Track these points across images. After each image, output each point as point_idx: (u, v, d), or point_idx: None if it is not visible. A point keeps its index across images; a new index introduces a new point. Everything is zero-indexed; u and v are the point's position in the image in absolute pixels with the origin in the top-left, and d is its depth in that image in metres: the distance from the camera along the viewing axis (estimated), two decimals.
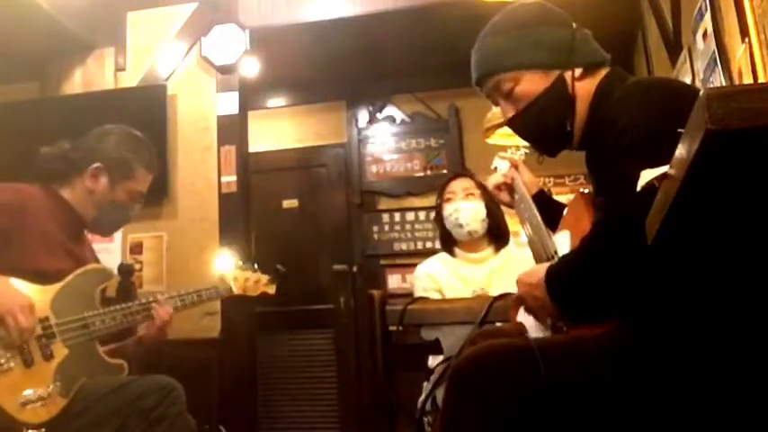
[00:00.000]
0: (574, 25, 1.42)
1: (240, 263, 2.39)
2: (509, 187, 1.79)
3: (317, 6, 3.61)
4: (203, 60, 3.65)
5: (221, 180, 3.55)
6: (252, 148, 3.91)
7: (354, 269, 4.54)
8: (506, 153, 1.87)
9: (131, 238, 3.54)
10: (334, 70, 4.47)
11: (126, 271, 3.22)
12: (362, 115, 4.78)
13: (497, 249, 2.66)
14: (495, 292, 2.42)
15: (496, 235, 2.66)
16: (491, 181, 1.84)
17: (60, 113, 3.54)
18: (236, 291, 2.28)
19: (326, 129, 4.86)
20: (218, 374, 3.32)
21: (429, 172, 4.61)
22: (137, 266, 3.44)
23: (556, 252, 1.45)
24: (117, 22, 3.79)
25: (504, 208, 2.32)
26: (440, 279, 2.60)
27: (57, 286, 1.85)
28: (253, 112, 4.12)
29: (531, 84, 1.39)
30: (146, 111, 3.49)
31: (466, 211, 2.59)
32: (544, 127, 1.42)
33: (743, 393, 0.98)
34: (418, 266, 2.73)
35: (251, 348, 3.69)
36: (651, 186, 0.92)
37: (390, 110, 4.78)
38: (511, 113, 1.44)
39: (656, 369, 1.09)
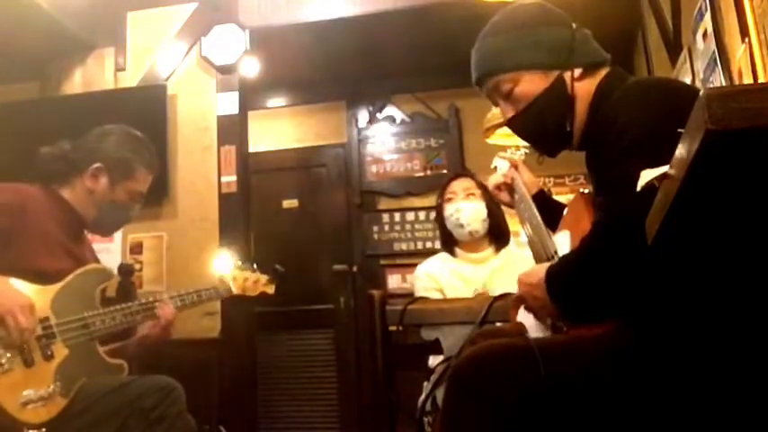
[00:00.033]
0: (574, 25, 1.42)
1: (239, 263, 2.39)
2: (509, 187, 1.80)
3: (316, 6, 3.61)
4: (203, 60, 3.65)
5: (221, 180, 3.55)
6: (252, 148, 3.91)
7: (354, 269, 4.55)
8: (506, 153, 1.87)
9: (131, 238, 3.54)
10: (334, 70, 4.47)
11: (126, 271, 3.22)
12: (362, 115, 4.78)
13: (498, 249, 2.66)
14: (495, 292, 2.42)
15: (497, 235, 2.66)
16: (491, 181, 1.85)
17: (60, 113, 3.54)
18: (235, 291, 2.28)
19: (326, 129, 4.86)
20: (218, 374, 3.31)
21: (429, 172, 4.61)
22: (137, 266, 3.44)
23: (556, 252, 1.45)
24: (117, 22, 3.79)
25: (504, 208, 2.32)
26: (440, 279, 2.60)
27: (57, 286, 1.85)
28: (253, 112, 4.12)
29: (531, 84, 1.39)
30: (146, 111, 3.49)
31: (467, 211, 2.60)
32: (543, 127, 1.42)
33: (743, 393, 0.98)
34: (419, 266, 2.73)
35: (251, 348, 3.69)
36: (651, 186, 0.92)
37: (390, 110, 4.78)
38: (510, 114, 1.44)
39: (656, 369, 1.09)
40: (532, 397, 1.12)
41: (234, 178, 3.54)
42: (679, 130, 0.67)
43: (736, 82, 1.93)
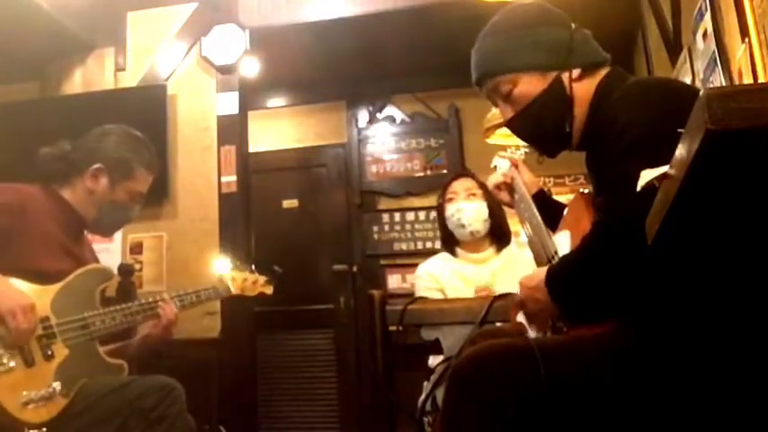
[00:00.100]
0: (573, 26, 1.42)
1: (237, 263, 2.40)
2: (509, 187, 1.80)
3: (316, 6, 3.61)
4: (203, 60, 3.65)
5: (221, 180, 3.55)
6: (252, 148, 3.91)
7: (354, 269, 4.54)
8: (506, 152, 1.87)
9: (131, 238, 3.54)
10: (334, 70, 4.47)
11: (126, 271, 3.22)
12: (362, 115, 4.78)
13: (499, 249, 2.67)
14: (496, 292, 2.43)
15: (498, 235, 2.66)
16: (491, 180, 1.85)
17: (60, 113, 3.54)
18: (234, 291, 2.28)
19: (326, 129, 4.86)
20: (218, 374, 3.31)
21: (429, 172, 4.61)
22: (137, 266, 3.44)
23: (556, 252, 1.45)
24: (117, 22, 3.79)
25: (504, 208, 2.32)
26: (441, 279, 2.61)
27: (57, 286, 1.85)
28: (253, 112, 4.12)
29: (529, 85, 1.39)
30: (146, 111, 3.49)
31: (468, 211, 2.60)
32: (542, 128, 1.43)
33: (743, 393, 0.98)
34: (419, 266, 2.73)
35: (251, 348, 3.69)
36: (651, 186, 0.92)
37: (390, 110, 4.78)
38: (510, 115, 1.45)
39: (656, 369, 1.09)
40: (532, 397, 1.12)
41: (234, 178, 3.54)
42: (679, 130, 0.67)
43: (736, 82, 1.93)
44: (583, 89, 1.38)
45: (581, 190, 2.36)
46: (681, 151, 0.67)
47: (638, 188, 0.98)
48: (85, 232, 2.12)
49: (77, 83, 3.79)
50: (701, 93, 0.59)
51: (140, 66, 3.75)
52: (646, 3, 3.39)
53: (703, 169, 0.63)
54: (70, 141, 2.08)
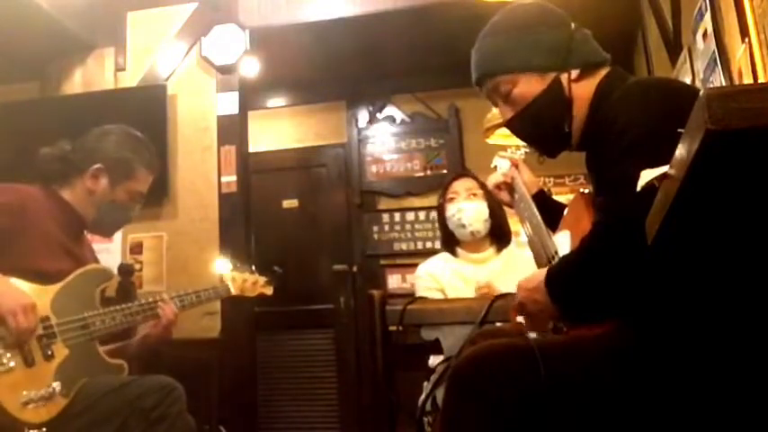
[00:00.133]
0: (573, 25, 1.42)
1: (237, 264, 2.40)
2: (509, 186, 1.80)
3: (316, 6, 3.61)
4: (203, 60, 3.65)
5: (221, 180, 3.55)
6: (252, 148, 3.91)
7: (354, 269, 4.54)
8: (506, 152, 1.87)
9: (131, 238, 3.54)
10: (334, 70, 4.47)
11: (126, 271, 3.22)
12: (362, 115, 4.78)
13: (499, 250, 2.67)
14: (497, 289, 2.43)
15: (499, 235, 2.67)
16: (491, 180, 1.85)
17: (60, 113, 3.54)
18: (234, 292, 2.29)
19: (326, 129, 4.86)
20: (218, 374, 3.31)
21: (429, 172, 4.61)
22: (137, 266, 3.44)
23: (556, 252, 1.45)
24: (117, 22, 3.79)
25: (504, 208, 2.32)
26: (442, 279, 2.61)
27: (57, 286, 1.85)
28: (253, 112, 4.12)
29: (528, 86, 1.39)
30: (146, 111, 3.49)
31: (469, 211, 2.60)
32: (541, 129, 1.43)
33: (743, 393, 0.98)
34: (420, 266, 2.73)
35: (251, 348, 3.69)
36: (651, 186, 0.92)
37: (390, 110, 4.78)
38: (509, 115, 1.45)
39: (656, 369, 1.09)
40: (532, 397, 1.12)
41: (234, 178, 3.54)
42: (679, 130, 0.67)
43: (736, 82, 1.93)
44: (582, 89, 1.38)
45: (581, 190, 2.36)
46: (681, 151, 0.67)
47: (638, 188, 0.98)
48: (85, 232, 2.12)
49: (77, 83, 3.79)
50: (701, 93, 0.59)
51: (140, 66, 3.75)
52: (646, 3, 3.40)
53: (703, 169, 0.63)
54: (70, 141, 2.08)
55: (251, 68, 3.82)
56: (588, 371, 1.13)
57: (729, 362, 0.97)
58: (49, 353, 1.76)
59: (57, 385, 1.72)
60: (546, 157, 1.52)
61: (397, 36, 4.00)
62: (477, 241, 2.64)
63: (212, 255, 3.41)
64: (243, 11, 3.66)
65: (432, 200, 4.29)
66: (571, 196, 1.63)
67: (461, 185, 2.67)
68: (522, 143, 1.67)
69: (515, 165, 1.80)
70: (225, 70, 3.63)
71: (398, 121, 4.74)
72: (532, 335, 1.41)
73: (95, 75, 3.78)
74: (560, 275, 1.25)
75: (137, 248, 3.55)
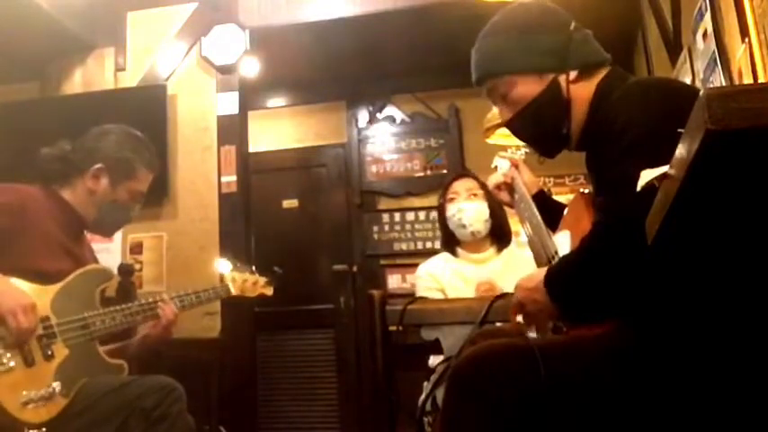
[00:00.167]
0: (573, 25, 1.41)
1: (237, 264, 2.40)
2: (509, 187, 1.80)
3: (316, 6, 3.61)
4: (203, 60, 3.65)
5: (221, 180, 3.55)
6: (252, 148, 3.91)
7: (354, 269, 4.54)
8: (507, 152, 1.87)
9: (131, 238, 3.54)
10: (334, 70, 4.47)
11: (126, 271, 3.21)
12: (362, 115, 4.78)
13: (500, 250, 2.67)
14: (498, 287, 2.43)
15: (499, 236, 2.67)
16: (491, 180, 1.85)
17: (60, 113, 3.54)
18: (234, 292, 2.28)
19: (326, 129, 4.86)
20: (218, 374, 3.31)
21: (429, 172, 4.61)
22: (137, 266, 3.44)
23: (556, 252, 1.45)
24: (117, 22, 3.79)
25: (505, 208, 2.32)
26: (442, 279, 2.61)
27: (57, 286, 1.85)
28: (253, 112, 4.12)
29: (526, 87, 1.40)
30: (146, 111, 3.49)
31: (469, 211, 2.60)
32: (540, 130, 1.44)
33: (743, 393, 0.98)
34: (420, 266, 2.73)
35: (251, 348, 3.69)
36: (651, 186, 0.92)
37: (390, 110, 4.78)
38: (508, 116, 1.46)
39: (656, 369, 1.09)
40: (532, 397, 1.12)
41: (234, 178, 3.54)
42: (679, 130, 0.67)
43: (736, 82, 1.93)
44: (581, 90, 1.38)
45: (581, 190, 2.36)
46: (681, 151, 0.67)
47: (638, 188, 0.98)
48: (85, 232, 2.12)
49: (77, 83, 3.79)
50: (701, 93, 0.59)
51: (140, 66, 3.75)
52: (646, 3, 3.40)
53: (703, 169, 0.63)
54: (70, 141, 2.08)
55: (251, 68, 3.82)
56: (588, 371, 1.13)
57: (729, 362, 0.97)
58: (49, 353, 1.76)
59: (57, 385, 1.72)
60: (545, 158, 1.53)
61: (397, 36, 3.99)
62: (477, 241, 2.64)
63: (212, 255, 3.41)
64: (243, 11, 3.66)
65: (432, 200, 4.29)
66: (571, 196, 1.63)
67: (462, 185, 2.67)
68: (521, 143, 1.67)
69: (515, 165, 1.80)
70: (225, 70, 3.63)
71: (398, 121, 4.74)
72: (532, 335, 1.41)
73: (95, 75, 3.78)
74: (560, 275, 1.25)
75: (137, 248, 3.55)
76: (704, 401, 1.03)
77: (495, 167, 1.86)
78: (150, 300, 2.02)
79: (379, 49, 4.17)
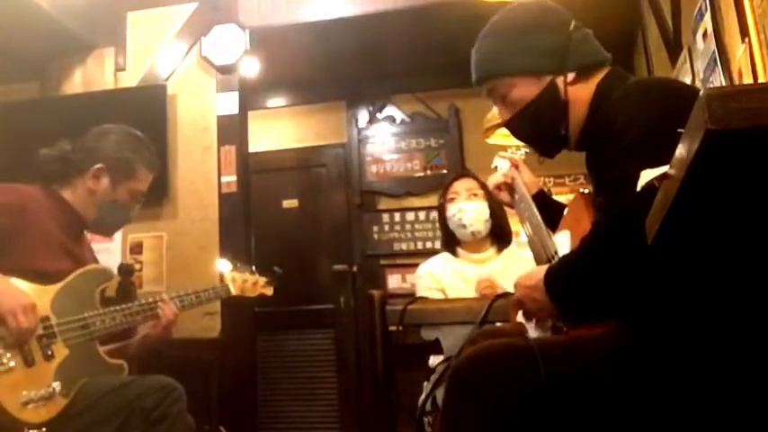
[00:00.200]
0: (573, 24, 1.41)
1: (237, 264, 2.40)
2: (509, 187, 1.80)
3: (316, 6, 3.61)
4: (203, 60, 3.65)
5: (221, 180, 3.55)
6: (252, 148, 3.91)
7: (354, 269, 4.54)
8: (507, 152, 1.87)
9: (131, 238, 3.54)
10: (334, 70, 4.47)
11: (126, 271, 3.21)
12: (362, 115, 4.78)
13: (500, 250, 2.67)
14: (499, 284, 2.43)
15: (499, 236, 2.67)
16: (491, 180, 1.85)
17: (60, 113, 3.54)
18: (234, 292, 2.28)
19: (326, 129, 4.86)
20: (219, 374, 3.31)
21: (429, 172, 4.61)
22: (137, 266, 3.44)
23: (556, 252, 1.45)
24: (117, 22, 3.79)
25: (505, 208, 2.32)
26: (442, 279, 2.61)
27: (57, 286, 1.85)
28: (253, 112, 4.12)
29: (524, 89, 1.41)
30: (146, 111, 3.49)
31: (469, 211, 2.60)
32: (538, 131, 1.45)
33: (743, 393, 0.98)
34: (420, 266, 2.73)
35: (251, 348, 3.69)
36: (651, 186, 0.92)
37: (390, 110, 4.78)
38: (507, 117, 1.47)
39: (656, 369, 1.09)
40: (532, 397, 1.12)
41: (234, 178, 3.54)
42: (679, 130, 0.67)
43: (736, 82, 1.93)
44: (579, 92, 1.38)
45: (581, 190, 2.36)
46: (681, 151, 0.67)
47: (638, 188, 0.98)
48: (85, 232, 2.12)
49: (77, 83, 3.79)
50: (701, 93, 0.59)
51: (140, 66, 3.75)
52: (646, 3, 3.39)
53: (703, 169, 0.63)
54: (70, 141, 2.08)
55: (251, 68, 3.82)
56: (588, 371, 1.13)
57: (729, 362, 0.97)
58: (49, 353, 1.76)
59: (57, 385, 1.72)
60: (544, 158, 1.53)
61: (397, 36, 3.99)
62: (477, 241, 2.64)
63: (212, 255, 3.41)
64: (243, 11, 3.66)
65: (432, 200, 4.29)
66: (571, 196, 1.63)
67: (462, 186, 2.67)
68: (521, 143, 1.68)
69: (515, 165, 1.80)
70: (225, 70, 3.63)
71: (398, 121, 4.74)
72: (533, 333, 1.41)
73: (95, 75, 3.78)
74: (560, 275, 1.25)
75: (137, 248, 3.55)
76: (704, 401, 1.03)
77: (495, 167, 1.86)
78: (150, 300, 2.02)
79: (379, 49, 4.17)
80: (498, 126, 3.06)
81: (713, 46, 2.11)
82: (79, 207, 2.02)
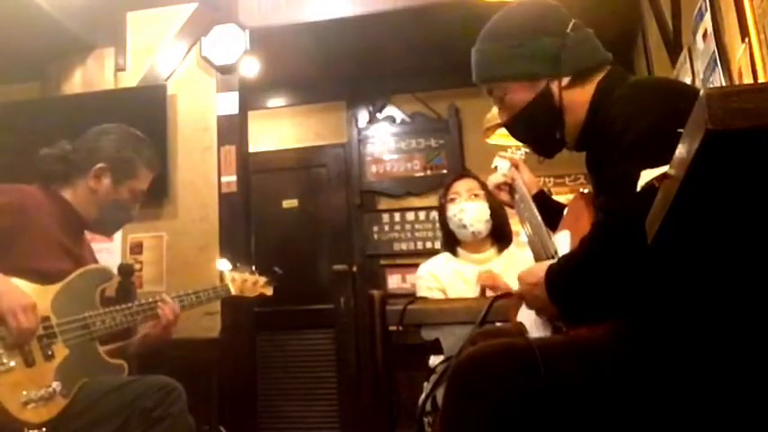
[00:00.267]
0: (572, 25, 1.40)
1: (237, 264, 2.40)
2: (509, 187, 1.80)
3: (316, 6, 3.61)
4: (203, 60, 3.65)
5: (221, 180, 3.55)
6: (252, 148, 3.91)
7: (354, 269, 4.54)
8: (507, 152, 1.87)
9: (131, 238, 3.54)
10: (334, 70, 4.47)
11: (126, 271, 3.21)
12: (362, 115, 4.78)
13: (500, 250, 2.67)
14: (499, 276, 2.43)
15: (500, 236, 2.67)
16: (491, 180, 1.85)
17: (60, 113, 3.55)
18: (234, 292, 2.28)
19: (326, 129, 4.86)
20: (218, 374, 3.31)
21: (429, 172, 4.61)
22: (137, 266, 3.44)
23: (556, 252, 1.45)
24: (117, 22, 3.79)
25: (505, 208, 2.32)
26: (442, 279, 2.61)
27: (57, 286, 1.85)
28: (253, 112, 4.12)
29: (519, 93, 1.42)
30: (146, 111, 3.49)
31: (470, 211, 2.60)
32: (534, 134, 1.48)
33: (743, 393, 0.98)
34: (421, 266, 2.73)
35: (251, 348, 3.69)
36: (651, 186, 0.92)
37: (390, 110, 4.78)
38: (504, 118, 1.49)
39: (656, 369, 1.09)
40: (532, 397, 1.12)
41: (234, 178, 3.54)
42: (679, 130, 0.67)
43: (736, 82, 1.93)
44: (576, 95, 1.38)
45: (581, 190, 2.36)
46: (681, 151, 0.67)
47: (638, 188, 0.98)
48: (85, 232, 2.12)
49: (77, 83, 3.79)
50: (701, 93, 0.59)
51: (140, 66, 3.75)
52: (646, 3, 3.39)
53: (703, 169, 0.63)
54: (70, 141, 2.08)
55: (251, 68, 3.82)
56: (588, 371, 1.13)
57: (729, 362, 0.97)
58: (50, 353, 1.76)
59: (57, 385, 1.72)
60: (544, 158, 1.54)
61: (396, 36, 3.99)
62: (478, 242, 2.64)
63: (212, 255, 3.41)
64: (243, 11, 3.66)
65: (432, 200, 4.29)
66: (571, 196, 1.63)
67: (463, 186, 2.67)
68: (521, 143, 1.68)
69: (515, 165, 1.80)
70: (225, 70, 3.63)
71: (398, 121, 4.74)
72: (533, 334, 1.41)
73: (95, 75, 3.78)
74: (560, 275, 1.25)
75: (137, 248, 3.55)
76: (704, 401, 1.03)
77: (495, 167, 1.86)
78: (150, 299, 2.02)
79: (379, 49, 4.17)
80: (498, 126, 3.06)
81: (713, 46, 2.11)
82: (80, 207, 2.02)
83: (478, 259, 2.63)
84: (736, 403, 0.99)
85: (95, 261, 2.10)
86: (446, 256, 2.69)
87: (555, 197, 1.82)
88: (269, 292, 2.42)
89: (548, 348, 1.17)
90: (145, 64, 3.74)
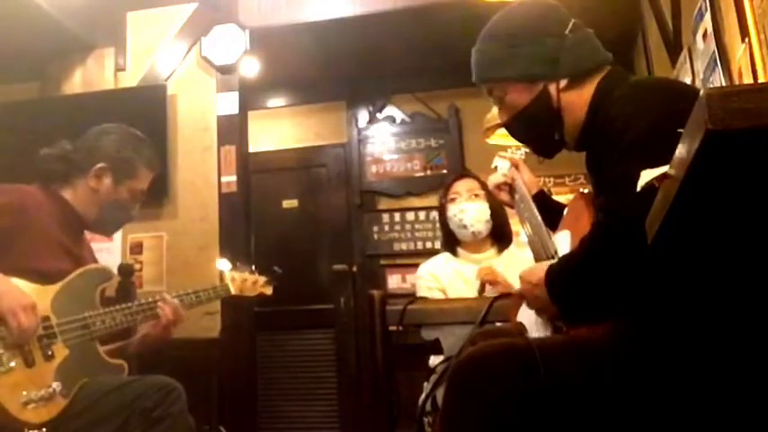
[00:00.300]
0: (571, 26, 1.40)
1: (237, 264, 2.40)
2: (509, 187, 1.80)
3: (316, 6, 3.61)
4: (203, 60, 3.65)
5: (221, 180, 3.55)
6: (252, 148, 3.91)
7: (354, 269, 4.54)
8: (507, 152, 1.87)
9: (131, 238, 3.54)
10: (334, 70, 4.47)
11: (126, 271, 3.21)
12: (362, 115, 4.78)
13: (500, 250, 2.67)
14: (499, 272, 2.43)
15: (500, 236, 2.67)
16: (491, 180, 1.85)
17: (60, 113, 3.55)
18: (234, 291, 2.28)
19: (326, 129, 4.86)
20: (218, 374, 3.31)
21: (429, 172, 4.61)
22: (137, 266, 3.44)
23: (556, 252, 1.45)
24: (117, 22, 3.79)
25: (505, 208, 2.32)
26: (443, 279, 2.61)
27: (57, 286, 1.85)
28: (253, 112, 4.12)
29: (518, 95, 1.43)
30: (146, 111, 3.49)
31: (470, 211, 2.60)
32: (532, 135, 1.49)
33: (743, 393, 0.98)
34: (421, 266, 2.73)
35: (251, 348, 3.69)
36: (651, 186, 0.92)
37: (390, 110, 4.78)
38: (504, 118, 1.50)
39: (656, 369, 1.09)
40: (532, 397, 1.12)
41: (234, 178, 3.54)
42: (679, 130, 0.67)
43: (736, 82, 1.93)
44: (574, 96, 1.39)
45: (581, 190, 2.36)
46: (681, 151, 0.67)
47: (638, 188, 0.98)
48: (85, 232, 2.12)
49: (77, 83, 3.79)
50: (701, 93, 0.59)
51: (140, 66, 3.75)
52: (646, 3, 3.40)
53: (703, 169, 0.63)
54: (70, 141, 2.08)
55: (251, 68, 3.82)
56: (588, 371, 1.13)
57: (729, 361, 0.97)
58: (50, 353, 1.76)
59: (57, 385, 1.71)
60: (543, 158, 1.54)
61: (396, 36, 4.00)
62: (478, 242, 2.64)
63: (212, 255, 3.41)
64: (243, 11, 3.66)
65: (432, 200, 4.29)
66: (571, 196, 1.63)
67: (463, 186, 2.67)
68: (521, 143, 1.69)
69: (515, 165, 1.80)
70: (225, 70, 3.63)
71: (398, 121, 4.74)
72: (533, 334, 1.41)
73: (95, 75, 3.78)
74: (560, 275, 1.25)
75: (137, 248, 3.55)
76: (704, 401, 1.03)
77: (495, 168, 1.86)
78: (150, 299, 2.02)
79: (379, 49, 4.17)
80: (498, 126, 3.06)
81: (713, 46, 2.11)
82: (80, 207, 2.02)
83: (478, 259, 2.63)
84: (736, 403, 0.99)
85: (95, 261, 2.10)
86: (446, 256, 2.69)
87: (555, 197, 1.82)
88: (269, 291, 2.42)
89: (548, 348, 1.17)
90: (145, 64, 3.74)
